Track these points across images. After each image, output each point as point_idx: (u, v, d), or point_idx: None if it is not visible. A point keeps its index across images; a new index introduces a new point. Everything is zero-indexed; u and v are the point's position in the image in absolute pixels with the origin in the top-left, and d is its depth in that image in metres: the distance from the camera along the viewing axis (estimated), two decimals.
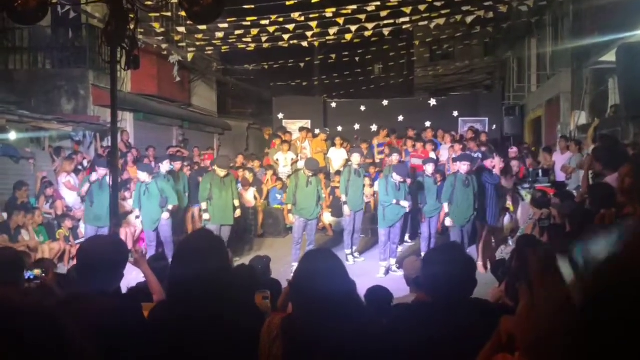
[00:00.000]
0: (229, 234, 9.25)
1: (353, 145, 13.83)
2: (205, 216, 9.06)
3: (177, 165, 10.38)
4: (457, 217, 8.42)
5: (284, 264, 9.05)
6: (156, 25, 12.95)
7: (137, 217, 9.01)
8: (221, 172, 9.09)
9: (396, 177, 8.63)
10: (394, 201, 8.54)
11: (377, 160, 13.27)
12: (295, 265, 8.45)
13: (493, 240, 8.88)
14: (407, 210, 8.76)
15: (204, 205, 9.11)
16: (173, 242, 8.85)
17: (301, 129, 14.61)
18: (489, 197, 8.46)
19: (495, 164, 8.50)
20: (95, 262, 2.40)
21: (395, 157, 9.93)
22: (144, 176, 8.86)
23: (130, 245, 9.31)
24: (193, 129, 16.91)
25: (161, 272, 4.08)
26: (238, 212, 9.34)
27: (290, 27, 11.51)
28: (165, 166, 10.02)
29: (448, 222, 8.53)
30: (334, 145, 13.90)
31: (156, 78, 14.49)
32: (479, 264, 8.52)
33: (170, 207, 8.95)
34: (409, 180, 8.98)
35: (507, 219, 9.17)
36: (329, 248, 4.10)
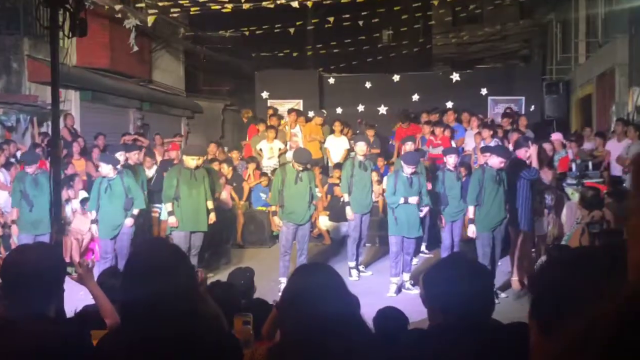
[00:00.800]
0: (201, 243, 9.24)
1: (356, 132, 13.84)
2: (171, 220, 9.03)
3: (134, 157, 10.32)
4: (486, 222, 8.42)
5: (270, 281, 9.03)
6: None
7: (94, 221, 8.97)
8: (191, 163, 9.07)
9: (406, 169, 8.64)
10: (402, 200, 8.55)
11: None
12: (283, 282, 8.53)
13: (533, 250, 8.90)
14: (421, 212, 8.75)
15: (168, 207, 9.07)
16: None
17: (290, 111, 14.64)
18: (524, 197, 8.48)
19: (531, 153, 8.50)
20: (23, 278, 2.36)
21: (409, 146, 9.93)
22: (107, 170, 8.78)
23: (76, 258, 9.29)
24: (155, 111, 16.88)
25: (115, 292, 4.06)
26: (212, 217, 9.32)
27: None
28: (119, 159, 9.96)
29: (471, 231, 8.53)
30: (332, 131, 13.92)
31: (108, 48, 14.43)
32: (514, 279, 8.52)
33: (135, 211, 8.91)
34: (425, 183, 9.01)
35: (549, 222, 9.19)
36: (325, 261, 4.11)
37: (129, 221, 8.81)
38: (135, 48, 15.15)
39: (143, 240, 7.72)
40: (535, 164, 8.39)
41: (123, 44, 14.86)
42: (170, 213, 9.03)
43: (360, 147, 9.62)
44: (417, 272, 9.12)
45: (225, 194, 12.23)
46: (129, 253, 8.55)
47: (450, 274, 2.45)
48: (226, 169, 12.49)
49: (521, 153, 8.64)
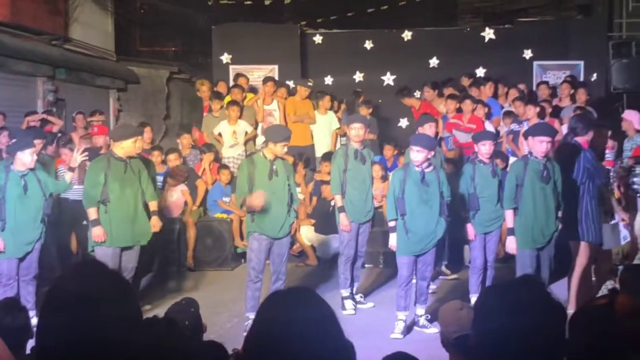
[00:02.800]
0: (136, 264, 9.22)
1: (353, 109, 13.83)
2: (96, 232, 8.98)
3: (38, 145, 10.22)
4: (527, 235, 8.46)
5: (232, 316, 9.05)
6: None
7: None
8: (131, 150, 9.05)
9: (415, 156, 8.54)
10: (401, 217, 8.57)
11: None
12: (251, 317, 8.51)
13: (593, 275, 8.96)
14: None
15: (92, 213, 9.04)
16: (35, 280, 8.84)
17: (267, 80, 14.53)
18: (587, 199, 8.52)
19: (588, 138, 8.56)
20: None
21: (428, 127, 9.90)
22: (27, 158, 8.76)
23: None
24: (73, 81, 16.79)
25: (14, 331, 4.04)
26: (156, 222, 9.32)
27: None
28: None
29: (511, 246, 8.57)
30: (316, 107, 13.97)
31: None
32: (571, 311, 8.58)
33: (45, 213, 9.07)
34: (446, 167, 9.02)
35: (621, 233, 9.26)
36: (309, 286, 4.09)
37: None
38: None
39: (75, 263, 7.70)
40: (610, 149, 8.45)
41: None
42: (94, 222, 8.98)
43: (356, 130, 9.59)
44: (435, 302, 9.15)
45: (174, 196, 12.22)
46: (54, 280, 8.60)
47: (514, 301, 2.45)
48: (173, 159, 12.46)
49: (581, 139, 8.69)
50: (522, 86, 14.07)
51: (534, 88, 14.65)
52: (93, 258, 9.36)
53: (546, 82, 14.22)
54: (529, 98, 12.95)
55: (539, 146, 8.34)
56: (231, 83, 15.09)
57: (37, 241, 8.88)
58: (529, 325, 2.38)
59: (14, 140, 9.58)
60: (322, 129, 13.81)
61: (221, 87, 14.83)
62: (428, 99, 13.87)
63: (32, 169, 8.82)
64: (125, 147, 9.03)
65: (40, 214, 8.89)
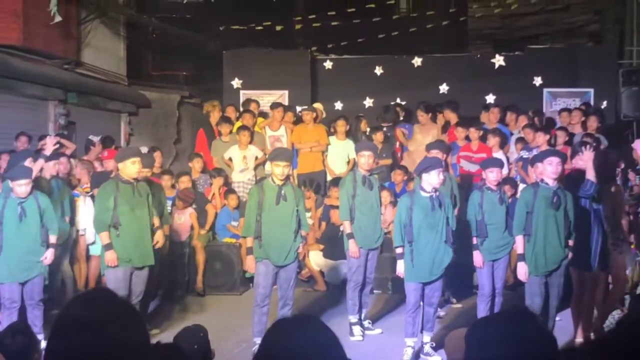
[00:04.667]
0: (144, 287, 9.24)
1: (363, 135, 13.83)
2: (109, 256, 8.97)
3: (50, 169, 10.26)
4: (536, 263, 8.45)
5: (240, 342, 9.04)
6: None
7: None
8: (131, 170, 9.08)
9: (427, 180, 8.54)
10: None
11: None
12: (258, 342, 8.50)
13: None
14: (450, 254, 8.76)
15: (104, 238, 9.08)
16: (42, 304, 8.84)
17: (275, 106, 14.57)
18: (592, 224, 8.52)
19: (584, 160, 8.52)
20: None
21: (435, 153, 9.92)
22: (24, 189, 8.78)
23: None
24: (84, 105, 16.85)
25: (20, 355, 4.07)
26: (160, 237, 9.37)
27: None
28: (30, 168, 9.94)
29: (522, 272, 8.56)
30: (331, 132, 13.96)
31: (20, 17, 14.45)
32: (579, 341, 8.55)
33: (52, 238, 9.01)
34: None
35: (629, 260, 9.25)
36: (318, 313, 4.10)
37: (49, 253, 8.87)
38: (58, 18, 15.16)
39: (84, 292, 7.69)
40: (591, 175, 8.40)
41: (41, 11, 14.89)
42: (107, 246, 9.00)
43: (365, 158, 9.60)
44: (442, 329, 9.13)
45: (181, 219, 12.25)
46: (64, 305, 8.59)
47: (504, 333, 2.47)
48: (184, 181, 12.50)
49: (578, 161, 8.71)
50: (532, 113, 14.02)
51: (545, 112, 14.65)
52: (103, 286, 9.40)
53: (568, 110, 14.11)
54: (541, 126, 12.93)
55: (549, 168, 8.34)
56: (241, 108, 15.14)
57: (37, 267, 8.86)
58: (520, 356, 2.39)
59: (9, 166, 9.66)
60: (339, 154, 13.71)
61: (229, 112, 14.85)
62: (422, 123, 13.75)
63: (32, 192, 8.84)
64: (124, 169, 9.09)
65: (39, 241, 8.89)
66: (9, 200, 8.83)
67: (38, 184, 9.51)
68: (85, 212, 11.14)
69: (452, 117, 13.89)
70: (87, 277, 11.47)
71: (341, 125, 13.78)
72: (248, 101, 15.09)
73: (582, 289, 8.72)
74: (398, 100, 15.56)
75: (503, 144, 12.99)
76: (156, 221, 9.43)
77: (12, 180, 8.81)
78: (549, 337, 2.55)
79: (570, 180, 8.69)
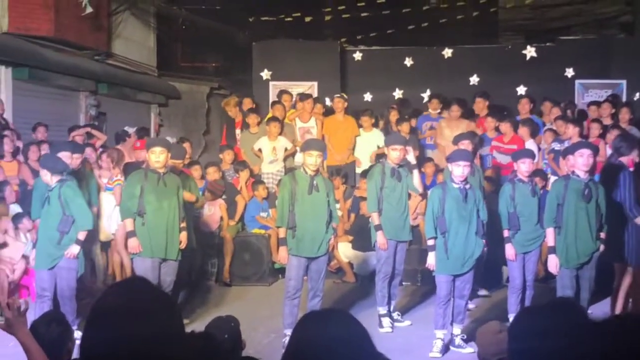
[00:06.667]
0: (175, 277, 9.29)
1: (391, 128, 13.80)
2: (132, 243, 9.06)
3: (76, 160, 10.23)
4: (567, 255, 8.41)
5: (269, 332, 9.06)
6: None
7: (35, 244, 9.08)
8: (151, 161, 9.13)
9: (463, 171, 8.53)
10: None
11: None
12: (288, 333, 8.51)
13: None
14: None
15: (128, 224, 9.17)
16: (76, 297, 8.87)
17: (304, 97, 14.52)
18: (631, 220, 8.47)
19: (633, 157, 8.52)
20: None
21: (466, 144, 9.88)
22: (47, 177, 8.86)
23: (4, 297, 9.37)
24: (114, 96, 16.98)
25: (54, 344, 4.10)
26: (184, 238, 9.41)
27: None
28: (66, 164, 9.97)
29: (553, 264, 8.53)
30: (360, 125, 13.96)
31: (52, 8, 14.55)
32: None
33: (81, 234, 8.91)
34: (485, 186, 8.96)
35: None
36: (347, 305, 4.10)
37: (73, 249, 8.77)
38: (89, 9, 15.25)
39: (119, 281, 7.70)
40: None
41: (72, 3, 14.97)
42: (130, 233, 9.09)
43: (396, 152, 9.54)
44: (473, 322, 9.10)
45: (211, 210, 12.30)
46: (99, 294, 8.61)
47: (550, 324, 2.45)
48: (213, 173, 12.54)
49: (626, 159, 8.64)
50: (564, 105, 13.90)
51: (576, 104, 14.55)
52: (139, 275, 9.39)
53: (597, 103, 13.95)
54: (574, 118, 12.82)
55: (580, 160, 8.30)
56: (271, 99, 15.16)
57: (62, 258, 8.79)
58: (565, 347, 2.37)
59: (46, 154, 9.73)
60: (367, 146, 13.74)
61: (247, 104, 14.89)
62: (454, 117, 13.58)
63: (60, 182, 8.84)
64: (149, 159, 9.18)
65: (55, 230, 8.82)
66: (45, 187, 8.93)
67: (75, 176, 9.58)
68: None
69: (482, 108, 13.82)
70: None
71: (366, 121, 13.82)
72: (281, 93, 15.06)
73: (622, 282, 8.70)
74: (428, 91, 15.50)
75: (534, 134, 12.88)
76: (182, 224, 9.40)
77: (43, 167, 8.95)
78: (593, 329, 2.53)
79: (613, 172, 8.62)
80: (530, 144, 12.06)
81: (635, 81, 15.42)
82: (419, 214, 11.42)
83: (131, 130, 14.10)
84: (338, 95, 14.46)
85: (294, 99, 14.90)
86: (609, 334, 2.53)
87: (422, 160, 12.90)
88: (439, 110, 14.11)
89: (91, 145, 12.62)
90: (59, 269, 8.78)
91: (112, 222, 11.21)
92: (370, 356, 2.44)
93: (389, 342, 8.34)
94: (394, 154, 9.57)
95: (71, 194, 8.88)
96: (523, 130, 12.58)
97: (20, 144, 12.10)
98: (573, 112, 13.72)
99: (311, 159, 8.86)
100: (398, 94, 16.07)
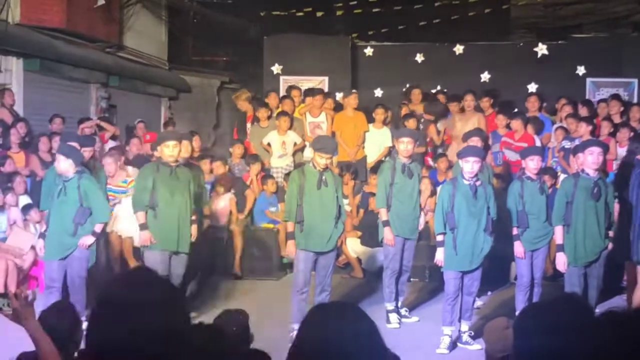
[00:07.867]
0: (184, 270, 9.32)
1: (404, 122, 13.77)
2: (143, 235, 9.10)
3: (87, 153, 10.23)
4: (575, 253, 8.40)
5: (278, 326, 9.06)
6: None
7: (42, 235, 9.07)
8: (166, 155, 9.14)
9: (467, 169, 8.52)
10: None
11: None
12: (296, 327, 8.51)
13: None
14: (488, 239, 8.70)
15: (140, 217, 9.19)
16: (86, 286, 8.87)
17: (316, 92, 14.55)
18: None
19: None
20: None
21: (476, 141, 9.88)
22: (66, 166, 8.77)
23: (12, 287, 9.39)
24: (125, 88, 17.00)
25: (63, 334, 4.12)
26: (194, 231, 9.42)
27: None
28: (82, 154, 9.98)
29: (561, 262, 8.51)
30: (371, 120, 13.91)
31: (64, 0, 14.58)
32: None
33: (98, 227, 8.95)
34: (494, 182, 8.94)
35: None
36: (354, 300, 4.11)
37: (88, 239, 8.78)
38: (101, 1, 15.28)
39: (129, 269, 7.72)
40: None
41: None
42: (142, 226, 9.11)
43: (404, 145, 9.50)
44: (481, 319, 9.10)
45: (221, 204, 12.32)
46: (106, 285, 8.59)
47: (556, 320, 2.46)
48: (221, 167, 12.56)
49: None
50: (580, 104, 13.84)
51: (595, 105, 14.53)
52: (144, 266, 9.42)
53: (604, 100, 13.92)
54: (585, 116, 12.79)
55: (590, 158, 8.29)
56: (282, 94, 15.17)
57: (75, 248, 8.81)
58: (571, 344, 2.37)
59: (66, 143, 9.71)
60: (376, 142, 13.70)
61: (271, 99, 14.88)
62: (467, 109, 13.57)
63: (78, 173, 8.82)
64: (161, 152, 9.21)
65: (71, 221, 8.82)
66: (57, 178, 8.93)
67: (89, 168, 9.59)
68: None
69: (487, 107, 13.84)
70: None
71: (380, 114, 13.72)
72: (290, 88, 15.07)
73: (634, 280, 8.67)
74: (439, 88, 15.48)
75: (538, 132, 12.88)
76: (193, 214, 9.44)
77: (63, 157, 8.81)
78: (599, 325, 2.53)
79: (626, 174, 8.60)
80: (537, 142, 12.06)
81: None
82: (429, 210, 11.39)
83: (140, 125, 14.15)
84: (355, 91, 14.44)
85: (301, 95, 14.92)
86: (618, 329, 2.53)
87: (435, 156, 12.95)
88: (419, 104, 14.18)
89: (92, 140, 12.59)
90: (71, 259, 8.80)
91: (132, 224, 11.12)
92: (378, 351, 2.44)
93: (396, 338, 8.32)
94: (402, 146, 9.52)
95: (92, 186, 8.91)
96: (528, 128, 12.59)
97: (26, 135, 12.13)
98: (590, 111, 13.64)
99: (321, 160, 8.88)
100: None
